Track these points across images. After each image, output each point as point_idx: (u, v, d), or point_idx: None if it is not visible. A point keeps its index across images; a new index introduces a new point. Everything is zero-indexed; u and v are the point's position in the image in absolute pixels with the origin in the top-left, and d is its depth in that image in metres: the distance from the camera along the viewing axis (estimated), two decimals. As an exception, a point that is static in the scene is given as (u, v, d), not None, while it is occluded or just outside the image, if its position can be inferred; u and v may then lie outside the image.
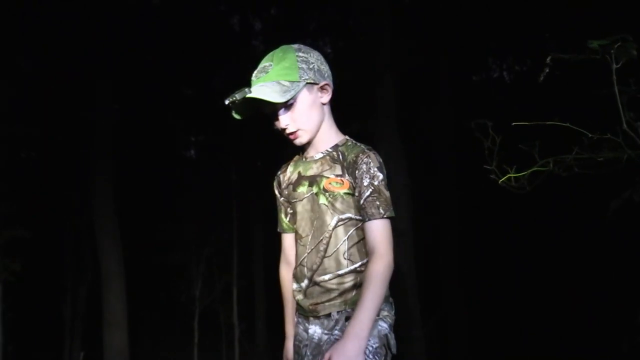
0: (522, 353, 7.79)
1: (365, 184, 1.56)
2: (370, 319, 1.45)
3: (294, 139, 1.64)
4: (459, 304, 8.60)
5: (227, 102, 1.57)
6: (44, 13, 7.50)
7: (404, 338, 5.47)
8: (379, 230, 1.54)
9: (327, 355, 1.44)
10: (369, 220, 1.55)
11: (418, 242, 6.02)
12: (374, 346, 1.54)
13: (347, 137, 1.70)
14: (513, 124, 1.85)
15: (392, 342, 1.61)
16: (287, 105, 1.59)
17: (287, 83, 1.57)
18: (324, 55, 1.73)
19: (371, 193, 1.55)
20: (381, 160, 1.60)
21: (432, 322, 7.35)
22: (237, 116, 1.64)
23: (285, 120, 1.61)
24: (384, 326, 1.59)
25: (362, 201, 1.57)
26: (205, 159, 11.36)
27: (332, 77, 1.69)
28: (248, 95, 1.55)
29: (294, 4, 9.95)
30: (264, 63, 1.62)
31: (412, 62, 6.68)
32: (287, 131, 1.62)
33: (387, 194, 1.57)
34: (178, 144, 11.50)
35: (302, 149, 1.71)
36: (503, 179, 1.91)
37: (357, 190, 1.58)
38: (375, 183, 1.57)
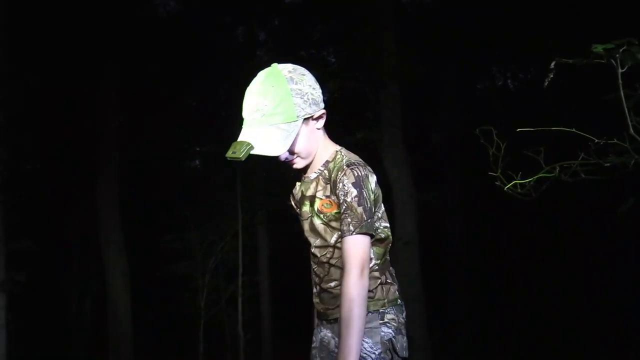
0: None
1: (341, 201, 1.57)
2: (355, 341, 1.46)
3: (291, 165, 1.66)
4: (466, 311, 8.53)
5: (229, 158, 1.55)
6: (50, 23, 7.56)
7: (411, 346, 5.41)
8: (347, 248, 1.53)
9: None
10: (341, 238, 1.55)
11: (424, 250, 5.99)
12: (377, 352, 1.56)
13: (337, 149, 1.67)
14: (518, 129, 1.84)
15: (400, 345, 1.61)
16: None
17: (285, 126, 1.54)
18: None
19: (344, 210, 1.54)
20: (360, 174, 1.57)
21: (439, 329, 7.29)
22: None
23: (284, 155, 1.61)
24: (387, 331, 1.60)
25: (340, 217, 1.57)
26: (210, 169, 11.36)
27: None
28: (252, 152, 1.53)
29: (298, 15, 9.99)
30: (256, 98, 1.56)
31: (417, 71, 6.67)
32: (287, 160, 1.63)
33: (360, 210, 1.53)
34: (183, 154, 11.52)
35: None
36: (508, 186, 1.89)
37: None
38: (348, 200, 1.54)
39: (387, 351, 1.58)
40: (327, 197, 1.61)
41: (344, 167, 1.59)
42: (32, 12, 6.98)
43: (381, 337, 1.58)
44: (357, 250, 1.52)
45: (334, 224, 1.61)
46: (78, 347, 10.02)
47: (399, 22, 6.20)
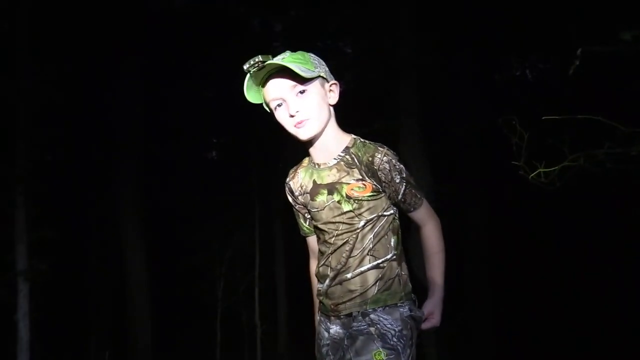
0: (551, 357, 7.60)
1: (398, 180, 1.61)
2: (443, 274, 1.78)
3: (300, 129, 1.58)
4: (484, 305, 8.45)
5: (246, 66, 1.54)
6: (68, 15, 7.63)
7: (425, 340, 5.39)
8: (424, 212, 1.72)
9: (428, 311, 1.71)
10: (414, 210, 1.70)
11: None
12: (397, 329, 1.56)
13: (352, 136, 1.67)
14: (544, 117, 1.81)
15: (418, 314, 1.66)
16: (300, 92, 1.57)
17: (303, 67, 1.55)
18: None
19: (406, 186, 1.64)
20: (394, 153, 1.65)
21: (456, 323, 7.25)
22: (248, 96, 1.61)
23: (296, 106, 1.57)
24: (403, 310, 1.61)
25: (399, 197, 1.64)
26: (227, 160, 11.41)
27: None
28: (271, 61, 1.53)
29: (314, 5, 9.94)
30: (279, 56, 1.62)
31: (435, 60, 6.60)
32: (296, 118, 1.57)
33: (413, 180, 1.68)
34: (200, 145, 11.58)
35: (311, 155, 1.69)
36: (533, 175, 1.88)
37: (391, 189, 1.62)
38: (405, 176, 1.63)
39: (409, 328, 1.58)
40: (360, 180, 1.60)
41: (379, 148, 1.61)
42: (51, 5, 7.05)
43: (400, 313, 1.59)
44: (429, 207, 1.73)
45: (364, 209, 1.60)
46: (98, 336, 10.18)
47: (417, 11, 6.12)
